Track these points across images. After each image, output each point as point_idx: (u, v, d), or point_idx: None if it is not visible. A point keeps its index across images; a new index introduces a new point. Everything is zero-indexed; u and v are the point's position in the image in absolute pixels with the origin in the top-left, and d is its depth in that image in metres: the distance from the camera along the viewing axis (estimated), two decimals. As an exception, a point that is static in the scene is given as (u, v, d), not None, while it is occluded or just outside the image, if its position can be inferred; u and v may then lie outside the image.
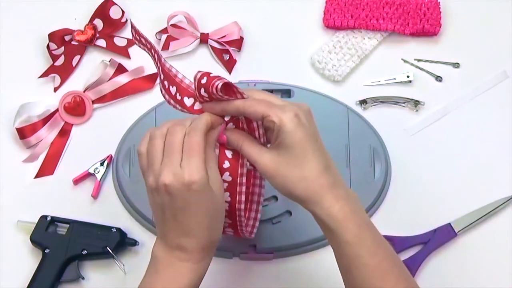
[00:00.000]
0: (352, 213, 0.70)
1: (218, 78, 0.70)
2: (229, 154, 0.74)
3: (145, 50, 0.76)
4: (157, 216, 0.73)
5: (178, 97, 0.74)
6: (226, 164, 0.73)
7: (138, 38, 0.76)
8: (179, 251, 0.72)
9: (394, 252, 0.73)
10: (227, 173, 0.73)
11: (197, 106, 0.74)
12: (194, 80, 0.71)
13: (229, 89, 0.71)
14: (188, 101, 0.74)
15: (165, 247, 0.72)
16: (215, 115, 0.72)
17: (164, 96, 0.75)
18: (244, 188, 0.73)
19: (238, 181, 0.73)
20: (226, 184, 0.73)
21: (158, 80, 0.75)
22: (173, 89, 0.74)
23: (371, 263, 0.70)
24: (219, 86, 0.69)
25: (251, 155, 0.72)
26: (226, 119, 0.74)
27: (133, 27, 0.76)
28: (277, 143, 0.71)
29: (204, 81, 0.70)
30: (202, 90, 0.71)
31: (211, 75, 0.70)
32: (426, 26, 1.00)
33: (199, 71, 0.71)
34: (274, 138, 0.71)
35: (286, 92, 0.97)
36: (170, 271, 0.72)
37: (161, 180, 0.68)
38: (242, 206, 0.74)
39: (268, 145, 0.74)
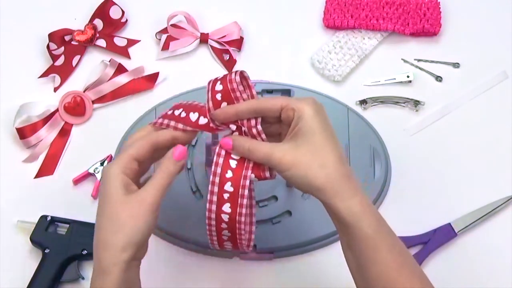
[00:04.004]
0: (370, 205, 0.70)
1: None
2: (233, 163, 0.73)
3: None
4: None
5: (183, 115, 0.74)
6: (229, 174, 0.72)
7: (165, 122, 0.76)
8: None
9: (403, 244, 0.72)
10: (229, 183, 0.72)
11: (202, 121, 0.74)
12: (209, 83, 0.74)
13: (244, 80, 0.74)
14: (193, 116, 0.74)
15: None
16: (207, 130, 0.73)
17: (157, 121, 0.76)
18: (245, 201, 0.72)
19: (240, 193, 0.72)
20: (227, 195, 0.72)
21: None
22: (177, 111, 0.75)
23: (389, 257, 0.69)
24: (238, 72, 0.72)
25: (263, 151, 0.71)
26: (233, 128, 0.74)
27: (159, 118, 0.76)
28: (295, 132, 0.70)
29: (220, 76, 0.73)
30: (218, 83, 0.73)
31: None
32: (426, 26, 1.00)
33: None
34: (292, 128, 0.71)
35: (286, 92, 0.97)
36: None
37: None
38: (243, 219, 0.72)
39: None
